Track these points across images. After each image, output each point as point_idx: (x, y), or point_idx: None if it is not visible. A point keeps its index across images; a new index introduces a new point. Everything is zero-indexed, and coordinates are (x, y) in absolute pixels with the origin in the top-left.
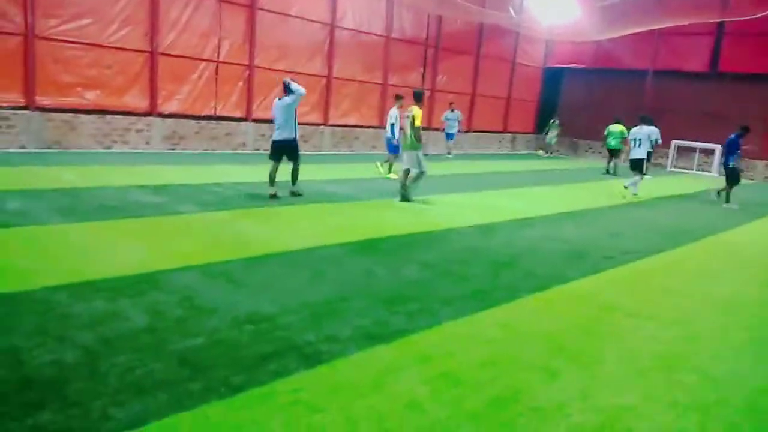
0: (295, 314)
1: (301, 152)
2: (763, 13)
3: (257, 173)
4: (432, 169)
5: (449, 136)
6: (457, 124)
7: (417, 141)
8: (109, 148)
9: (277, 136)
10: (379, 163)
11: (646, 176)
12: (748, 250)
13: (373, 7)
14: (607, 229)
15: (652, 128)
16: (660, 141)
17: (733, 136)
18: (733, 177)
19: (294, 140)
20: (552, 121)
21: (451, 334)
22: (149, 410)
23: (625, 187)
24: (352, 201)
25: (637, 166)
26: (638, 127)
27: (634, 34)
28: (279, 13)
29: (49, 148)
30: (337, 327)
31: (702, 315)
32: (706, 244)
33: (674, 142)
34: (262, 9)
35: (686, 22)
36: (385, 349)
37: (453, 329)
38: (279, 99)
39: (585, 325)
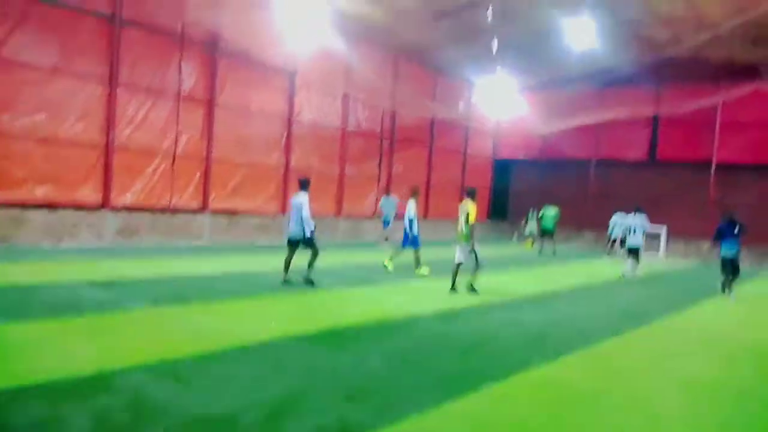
0: (252, 413)
1: (260, 243)
2: (693, 107)
3: (213, 265)
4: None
5: (386, 222)
6: (393, 210)
7: (470, 235)
8: (58, 243)
9: (290, 232)
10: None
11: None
12: (705, 330)
13: (329, 103)
14: (564, 311)
15: (644, 216)
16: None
17: (722, 223)
18: (735, 267)
19: (304, 236)
20: (531, 212)
21: (415, 428)
22: None
23: (623, 275)
24: (311, 290)
25: (634, 252)
26: (633, 215)
27: (576, 127)
28: (238, 109)
29: None
30: (296, 425)
31: (666, 396)
32: (663, 324)
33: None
34: (221, 105)
35: (623, 116)
36: None
37: (418, 423)
38: (294, 196)
39: (550, 412)
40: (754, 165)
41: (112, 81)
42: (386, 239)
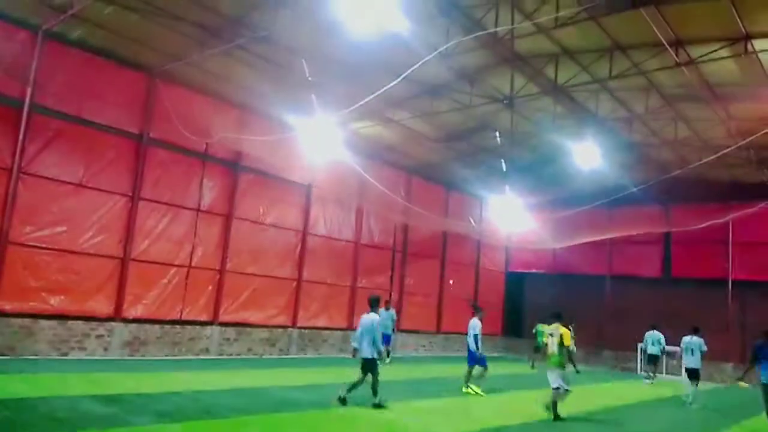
0: None
1: (267, 356)
2: (702, 225)
3: (219, 380)
4: (400, 372)
5: (385, 338)
6: (391, 323)
7: (566, 360)
8: (65, 354)
9: (362, 352)
10: (472, 386)
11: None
12: None
13: (343, 216)
14: None
15: (700, 339)
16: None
17: (759, 341)
18: None
19: (371, 358)
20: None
21: None
22: None
23: (690, 403)
24: (317, 408)
25: (694, 374)
26: (689, 336)
27: (588, 242)
28: (254, 222)
29: (2, 354)
30: None
31: None
32: None
33: (640, 345)
34: (238, 218)
35: (633, 233)
36: None
37: None
38: (366, 315)
39: None
40: None
41: (134, 196)
42: (388, 354)
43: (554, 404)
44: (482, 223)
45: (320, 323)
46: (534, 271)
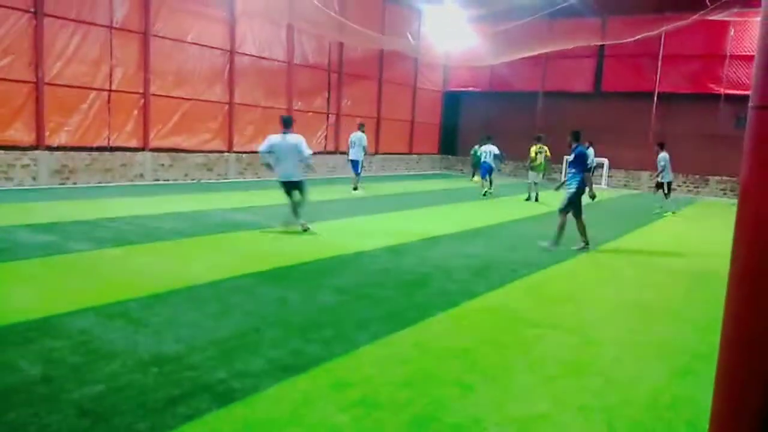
0: (204, 352)
1: (206, 180)
2: (637, 37)
3: (156, 205)
4: (338, 192)
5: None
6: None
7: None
8: None
9: (284, 174)
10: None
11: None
12: (641, 254)
13: (273, 34)
14: (509, 243)
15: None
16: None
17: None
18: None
19: (299, 181)
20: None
21: (367, 358)
22: None
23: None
24: (259, 229)
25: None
26: (663, 153)
27: (524, 58)
28: (174, 40)
29: None
30: (249, 361)
31: (600, 319)
32: (601, 250)
33: (565, 158)
34: (156, 36)
35: (569, 46)
36: (301, 380)
37: (369, 353)
38: (280, 135)
39: (494, 338)
40: (694, 94)
41: (37, 11)
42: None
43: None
44: (420, 39)
45: (257, 147)
46: (471, 89)
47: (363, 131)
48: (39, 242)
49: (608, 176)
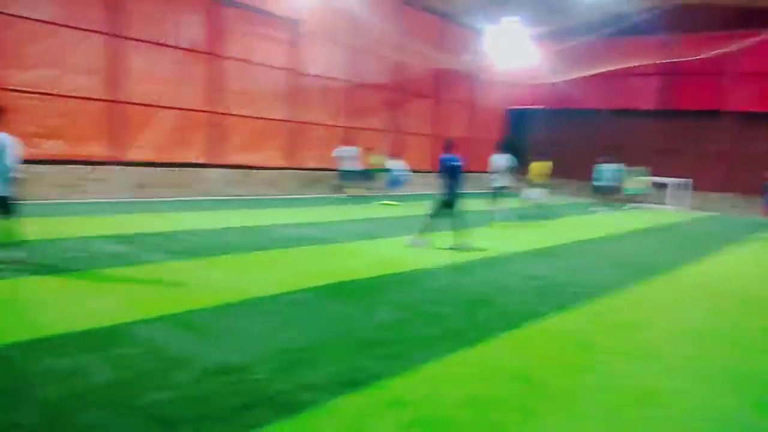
0: (266, 363)
1: (270, 196)
2: (705, 55)
3: (223, 219)
4: (401, 210)
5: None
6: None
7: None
8: (71, 198)
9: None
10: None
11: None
12: (714, 281)
13: (334, 55)
14: (574, 264)
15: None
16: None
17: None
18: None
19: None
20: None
21: (427, 376)
22: None
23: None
24: (321, 244)
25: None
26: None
27: (588, 75)
28: (243, 61)
29: None
30: (310, 374)
31: (673, 347)
32: (671, 277)
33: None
34: (226, 57)
35: (635, 64)
36: (360, 396)
37: (428, 372)
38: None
39: (558, 362)
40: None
41: (115, 34)
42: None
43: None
44: (480, 58)
45: (319, 164)
46: (532, 107)
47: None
48: (113, 252)
49: (676, 197)
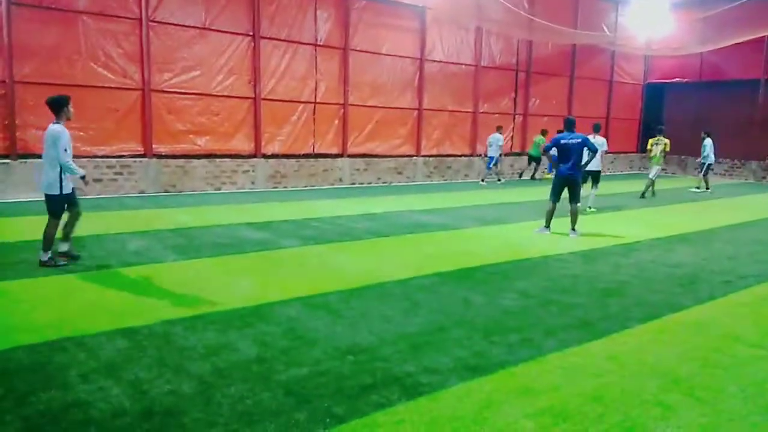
0: (394, 345)
1: (396, 183)
2: None
3: (352, 206)
4: (527, 194)
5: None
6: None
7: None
8: (218, 189)
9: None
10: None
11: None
12: None
13: (461, 38)
14: (722, 251)
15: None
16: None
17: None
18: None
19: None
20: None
21: (555, 366)
22: None
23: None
24: (446, 230)
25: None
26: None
27: (741, 43)
28: (370, 53)
29: (165, 191)
30: (436, 358)
31: None
32: None
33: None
34: (354, 50)
35: None
36: (486, 381)
37: (557, 361)
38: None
39: (702, 356)
40: None
41: (255, 35)
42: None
43: (648, 187)
44: (617, 30)
45: (444, 150)
46: (676, 80)
47: (500, 133)
48: (255, 238)
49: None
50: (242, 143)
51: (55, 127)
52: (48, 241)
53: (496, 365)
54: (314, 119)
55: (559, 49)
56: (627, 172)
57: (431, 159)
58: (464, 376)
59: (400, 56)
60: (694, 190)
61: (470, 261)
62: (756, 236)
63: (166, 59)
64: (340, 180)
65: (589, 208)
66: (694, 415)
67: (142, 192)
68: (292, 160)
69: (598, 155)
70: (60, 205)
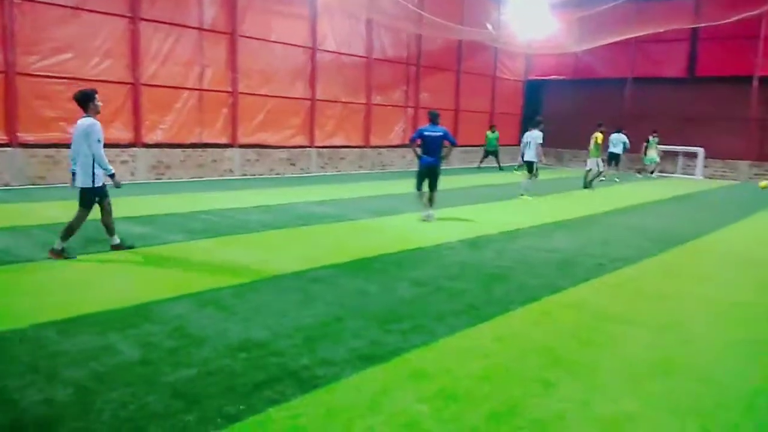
0: (289, 339)
1: (289, 175)
2: (735, 18)
3: (243, 198)
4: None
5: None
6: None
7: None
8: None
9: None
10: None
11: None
12: (735, 251)
13: (353, 29)
14: (596, 236)
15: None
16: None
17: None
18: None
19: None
20: (652, 137)
21: (447, 350)
22: None
23: (616, 179)
24: (341, 221)
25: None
26: (615, 133)
27: (612, 43)
28: (260, 39)
29: (33, 184)
30: (331, 350)
31: (695, 318)
32: (694, 246)
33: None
34: (243, 36)
35: (661, 30)
36: (381, 370)
37: (448, 345)
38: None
39: (579, 334)
40: None
41: (134, 16)
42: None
43: (585, 178)
44: (500, 28)
45: (337, 142)
46: (554, 77)
47: (541, 129)
48: (137, 233)
49: (704, 166)
50: (120, 131)
51: (86, 120)
52: (69, 231)
53: (391, 353)
54: (201, 107)
55: (446, 44)
56: (510, 164)
57: (325, 150)
58: (360, 366)
59: (292, 44)
60: (616, 180)
61: (365, 252)
62: (627, 222)
63: (34, 40)
64: (231, 171)
65: (521, 194)
66: (573, 390)
67: (7, 185)
68: (178, 150)
69: (534, 147)
70: (92, 198)
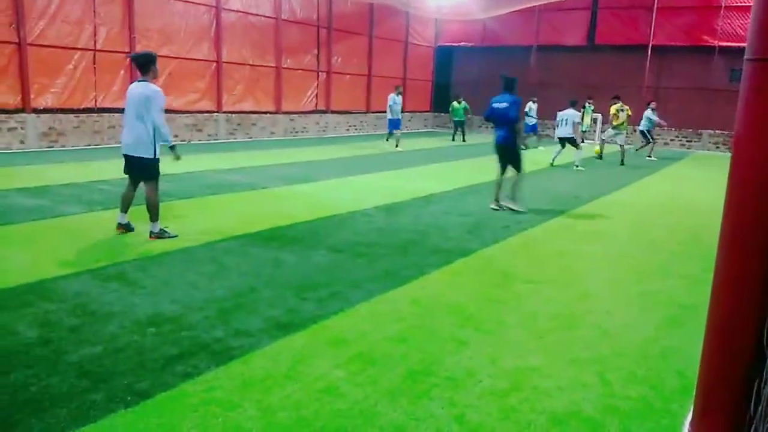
0: (201, 312)
1: (196, 141)
2: None
3: None
4: (335, 152)
5: (396, 123)
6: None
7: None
8: None
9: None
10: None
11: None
12: (633, 210)
13: None
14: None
15: (576, 111)
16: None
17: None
18: None
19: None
20: (587, 104)
21: (363, 315)
22: (50, 428)
23: (576, 166)
24: (254, 189)
25: (570, 142)
26: (566, 110)
27: (517, 11)
28: None
29: None
30: (246, 320)
31: (593, 274)
32: (594, 206)
33: (559, 114)
34: None
35: None
36: (297, 338)
37: (364, 310)
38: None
39: (487, 293)
40: (688, 47)
41: None
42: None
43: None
44: None
45: (247, 107)
46: (463, 44)
47: (577, 108)
48: (30, 205)
49: (601, 132)
50: (6, 96)
51: (148, 86)
52: (155, 208)
53: (308, 321)
54: (95, 69)
55: (358, 7)
56: (422, 130)
57: (234, 116)
58: (276, 335)
59: (194, 2)
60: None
61: (280, 220)
62: (532, 185)
63: None
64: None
65: (576, 166)
66: (482, 346)
67: None
68: (71, 116)
69: (571, 124)
70: (157, 168)
